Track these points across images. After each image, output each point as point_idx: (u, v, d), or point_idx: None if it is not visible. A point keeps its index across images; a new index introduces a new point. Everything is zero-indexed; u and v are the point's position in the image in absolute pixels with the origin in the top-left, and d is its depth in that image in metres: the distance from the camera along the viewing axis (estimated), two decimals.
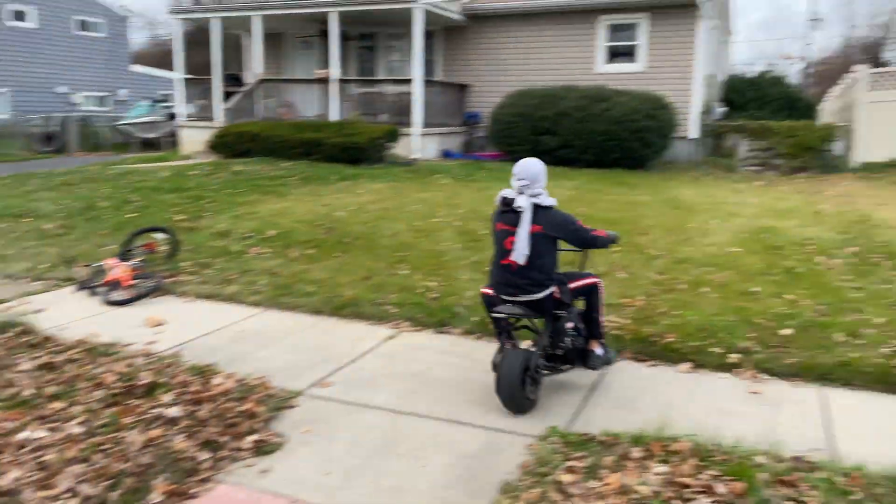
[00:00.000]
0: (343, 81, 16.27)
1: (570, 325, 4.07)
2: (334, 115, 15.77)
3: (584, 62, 16.31)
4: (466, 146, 17.35)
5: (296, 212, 8.74)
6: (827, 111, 22.00)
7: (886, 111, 14.09)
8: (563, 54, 16.50)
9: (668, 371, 4.52)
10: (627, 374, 4.46)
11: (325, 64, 18.23)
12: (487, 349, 4.87)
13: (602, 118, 13.80)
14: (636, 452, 3.24)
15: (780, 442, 3.43)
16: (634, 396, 4.10)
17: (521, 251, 3.79)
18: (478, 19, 17.15)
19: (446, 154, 16.18)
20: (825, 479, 2.98)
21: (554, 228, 3.90)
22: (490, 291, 4.08)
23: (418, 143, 15.03)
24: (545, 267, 3.90)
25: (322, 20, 17.41)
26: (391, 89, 15.79)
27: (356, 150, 12.83)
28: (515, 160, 10.47)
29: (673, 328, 4.97)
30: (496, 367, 4.01)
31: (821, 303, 5.42)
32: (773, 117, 18.82)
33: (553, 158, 14.33)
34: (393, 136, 13.58)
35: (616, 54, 16.27)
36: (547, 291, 3.90)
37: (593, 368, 4.20)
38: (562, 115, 14.10)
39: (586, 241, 4.05)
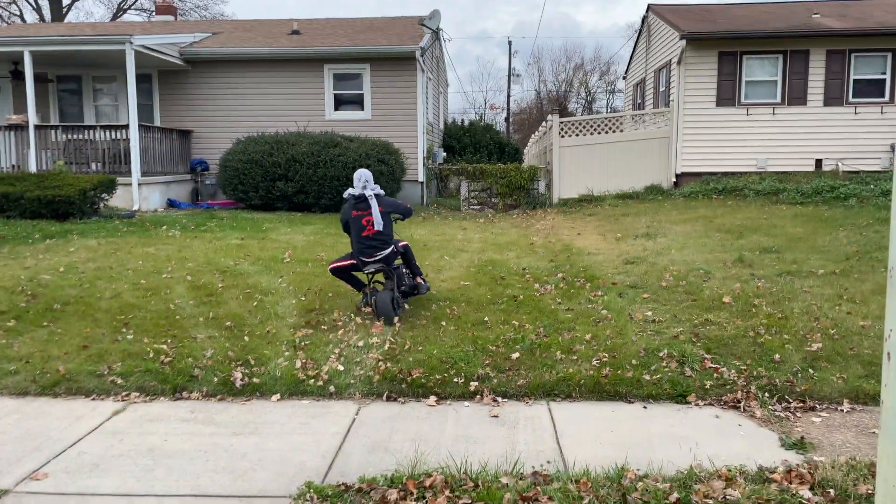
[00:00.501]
0: (43, 128, 14.44)
1: (405, 270, 6.58)
2: (34, 165, 13.90)
3: (314, 109, 16.52)
4: (195, 195, 16.45)
5: None
6: (530, 154, 24.95)
7: (574, 154, 16.41)
8: (293, 101, 16.54)
9: (417, 406, 4.66)
10: (379, 415, 4.50)
11: (19, 108, 16.11)
12: (232, 411, 4.61)
13: (335, 164, 14.04)
14: (393, 494, 3.26)
15: (520, 460, 3.71)
16: (388, 436, 4.15)
17: (378, 222, 6.26)
18: (199, 64, 16.49)
19: (172, 204, 15.15)
20: (560, 489, 3.28)
21: (388, 206, 6.44)
22: (351, 262, 6.46)
23: (139, 194, 13.86)
24: (388, 231, 6.38)
25: (14, 60, 15.38)
26: (104, 136, 14.37)
27: (64, 203, 11.39)
28: (250, 207, 11.36)
29: (418, 363, 5.15)
30: (371, 304, 6.34)
31: (541, 326, 6.03)
32: (487, 161, 20.86)
33: (290, 204, 14.25)
34: (109, 186, 12.33)
35: (344, 102, 16.76)
36: (391, 247, 6.36)
37: (423, 293, 6.66)
38: (294, 161, 14.06)
39: (406, 211, 6.68)
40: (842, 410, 4.50)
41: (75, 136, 14.38)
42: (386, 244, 6.32)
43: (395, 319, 6.05)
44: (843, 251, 8.51)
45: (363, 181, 6.41)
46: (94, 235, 10.22)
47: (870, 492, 3.18)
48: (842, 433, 4.17)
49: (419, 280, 6.72)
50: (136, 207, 13.61)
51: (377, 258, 6.29)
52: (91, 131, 14.49)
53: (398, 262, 6.56)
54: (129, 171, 13.87)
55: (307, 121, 16.16)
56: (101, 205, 12.47)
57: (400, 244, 6.58)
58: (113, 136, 14.31)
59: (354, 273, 6.63)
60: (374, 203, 6.29)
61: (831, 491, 3.22)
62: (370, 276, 6.46)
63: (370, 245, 6.29)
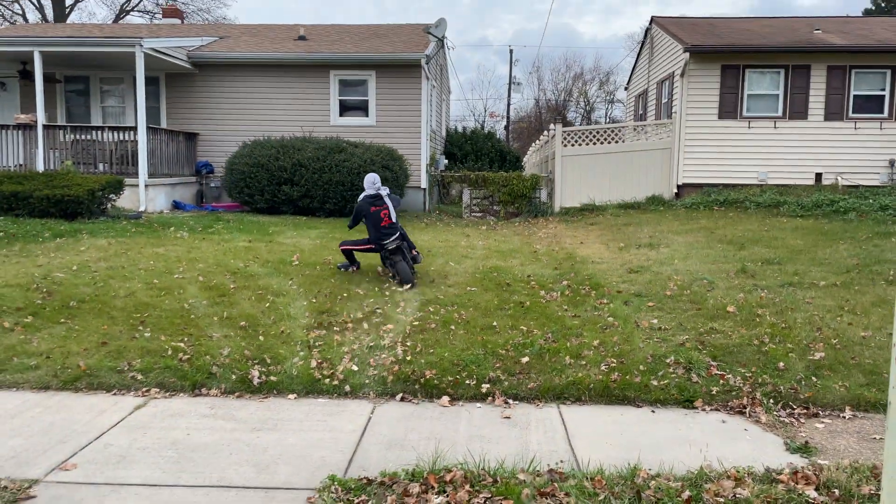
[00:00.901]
0: (51, 128, 14.55)
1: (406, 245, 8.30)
2: (41, 164, 14.00)
3: (320, 114, 16.67)
4: (199, 197, 16.56)
5: (2, 275, 7.56)
6: (530, 163, 25.12)
7: (576, 163, 16.58)
8: (299, 106, 16.68)
9: (430, 406, 4.78)
10: (394, 414, 4.62)
11: (26, 108, 16.22)
12: (251, 408, 4.72)
13: (340, 169, 14.17)
14: (415, 488, 3.38)
15: (534, 458, 3.83)
16: (403, 435, 4.27)
17: (392, 214, 8.21)
18: (206, 67, 16.63)
19: (177, 205, 15.26)
20: (576, 486, 3.40)
21: (394, 202, 8.34)
22: (368, 246, 8.30)
23: (145, 195, 13.96)
24: (397, 220, 8.28)
25: (23, 60, 15.51)
26: (111, 137, 14.48)
27: (73, 203, 11.48)
28: (255, 211, 13.42)
29: (430, 365, 5.28)
30: (392, 272, 8.19)
31: (548, 331, 6.16)
32: (489, 168, 20.99)
33: (295, 208, 14.37)
34: (117, 187, 12.42)
35: (350, 108, 16.90)
36: (399, 231, 8.18)
37: (419, 262, 8.46)
38: (300, 165, 14.19)
39: (399, 203, 8.48)
40: (844, 417, 4.64)
41: (83, 137, 14.48)
42: (396, 230, 8.19)
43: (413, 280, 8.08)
44: (844, 264, 8.66)
45: (376, 184, 8.32)
46: (103, 235, 10.33)
47: (873, 492, 3.30)
48: (844, 438, 4.30)
49: (414, 252, 8.44)
50: (142, 208, 13.72)
51: (393, 239, 8.10)
52: (99, 132, 14.59)
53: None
54: (135, 173, 13.97)
55: (312, 126, 16.31)
56: (109, 205, 12.56)
57: (399, 226, 8.38)
58: (120, 138, 14.43)
59: (356, 253, 8.65)
60: (388, 201, 8.28)
61: (836, 491, 3.35)
62: (387, 252, 8.17)
63: (387, 232, 8.14)
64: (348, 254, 8.56)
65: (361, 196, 8.28)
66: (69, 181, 11.88)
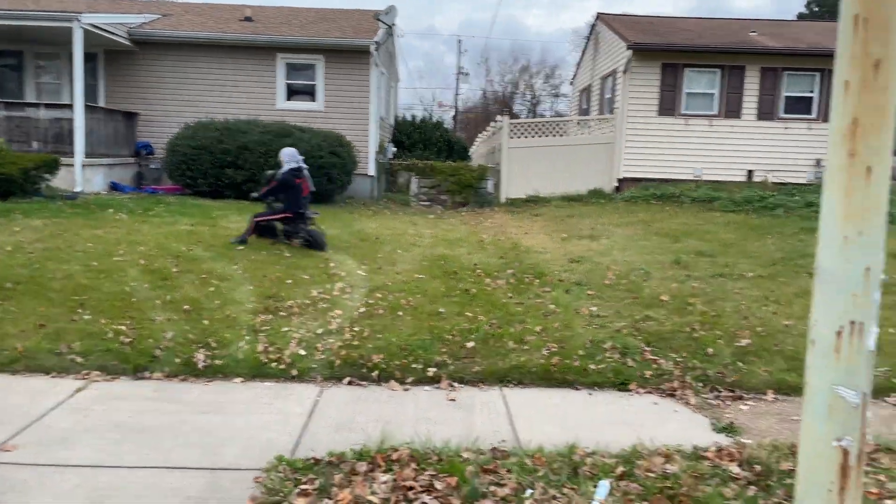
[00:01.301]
0: None
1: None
2: None
3: (266, 98, 16.43)
4: (139, 178, 16.12)
5: None
6: (477, 154, 25.32)
7: (522, 155, 16.85)
8: (244, 88, 16.40)
9: (378, 390, 4.87)
10: (342, 398, 4.69)
11: None
12: (195, 391, 4.72)
13: None
14: (362, 466, 3.47)
15: (478, 438, 3.97)
16: (351, 417, 4.35)
17: (311, 185, 9.13)
18: (148, 45, 16.16)
19: (115, 187, 14.83)
20: (517, 463, 3.55)
21: (308, 176, 9.21)
22: (284, 215, 8.91)
23: (82, 175, 13.53)
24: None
25: None
26: (46, 114, 13.96)
27: (5, 182, 11.03)
28: (197, 194, 13.63)
29: (378, 350, 5.36)
30: (303, 236, 8.95)
31: (493, 318, 6.32)
32: (437, 158, 21.07)
33: (239, 192, 14.15)
34: (52, 166, 12.00)
35: (297, 92, 16.72)
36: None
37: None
38: (245, 149, 13.98)
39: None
40: (767, 400, 4.94)
41: (16, 113, 13.92)
42: (309, 199, 9.15)
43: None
44: (771, 257, 9.13)
45: (296, 157, 9.04)
46: (37, 216, 9.99)
47: (791, 468, 3.56)
48: (766, 420, 4.59)
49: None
50: (78, 189, 13.28)
51: (308, 207, 9.02)
52: (33, 109, 14.05)
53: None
54: (71, 152, 13.50)
55: (258, 109, 16.07)
56: (44, 185, 12.14)
57: None
58: (56, 115, 13.92)
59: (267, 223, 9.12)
60: (307, 174, 9.12)
61: (757, 467, 3.60)
62: (304, 220, 8.95)
63: (306, 202, 9.04)
64: (256, 227, 8.98)
65: (285, 170, 8.87)
66: (1, 159, 11.42)
